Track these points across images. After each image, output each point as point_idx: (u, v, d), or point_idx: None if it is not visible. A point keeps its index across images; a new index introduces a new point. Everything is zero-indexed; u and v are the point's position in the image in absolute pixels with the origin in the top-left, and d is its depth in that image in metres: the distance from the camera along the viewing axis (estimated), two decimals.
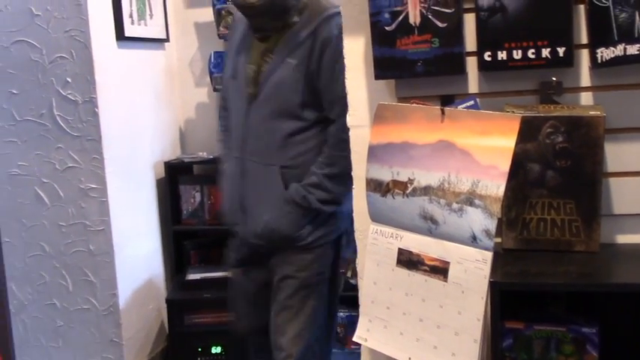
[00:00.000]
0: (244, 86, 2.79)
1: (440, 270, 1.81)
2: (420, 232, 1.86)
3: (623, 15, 1.85)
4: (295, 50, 2.70)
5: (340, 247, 2.96)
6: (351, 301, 4.36)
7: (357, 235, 2.21)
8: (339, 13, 2.30)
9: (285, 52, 2.72)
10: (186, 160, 4.38)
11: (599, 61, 1.90)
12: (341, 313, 4.49)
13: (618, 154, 1.98)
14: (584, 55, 1.96)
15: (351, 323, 4.42)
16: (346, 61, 2.18)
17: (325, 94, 2.72)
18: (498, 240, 1.93)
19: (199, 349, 4.05)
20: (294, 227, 2.79)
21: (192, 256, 4.45)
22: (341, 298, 4.52)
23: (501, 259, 1.88)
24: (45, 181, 3.43)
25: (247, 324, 3.15)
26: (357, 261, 2.23)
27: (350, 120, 2.20)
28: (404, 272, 1.89)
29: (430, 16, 1.98)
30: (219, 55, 4.24)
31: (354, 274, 4.43)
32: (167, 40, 4.36)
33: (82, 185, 3.42)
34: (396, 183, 1.90)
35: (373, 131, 1.95)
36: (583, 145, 1.88)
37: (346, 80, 2.20)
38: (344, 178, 2.42)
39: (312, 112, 2.76)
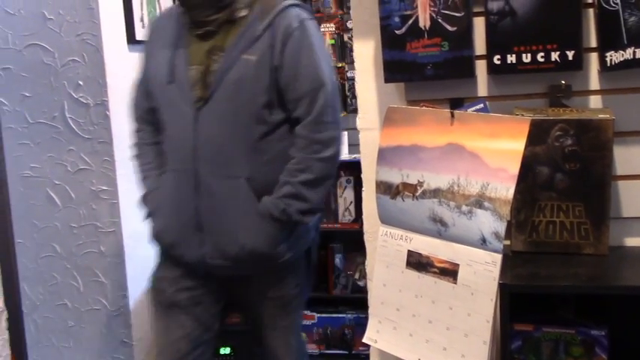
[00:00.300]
0: (188, 90, 2.37)
1: (449, 272, 1.80)
2: (429, 234, 1.86)
3: (633, 19, 1.84)
4: (252, 45, 2.32)
5: (310, 254, 2.62)
6: (359, 302, 4.39)
7: (367, 237, 2.21)
8: (296, 5, 2.32)
9: (239, 48, 2.33)
10: None
11: (609, 64, 1.89)
12: (348, 315, 4.50)
13: (627, 157, 1.97)
14: (594, 58, 1.96)
15: (359, 325, 4.42)
16: (356, 64, 2.18)
17: (290, 91, 2.34)
18: (507, 242, 1.92)
19: None
20: (273, 245, 2.39)
21: None
22: (348, 299, 4.55)
23: (510, 261, 1.87)
24: (57, 182, 3.42)
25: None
26: (367, 262, 2.22)
27: (360, 122, 2.20)
28: (413, 274, 1.88)
29: (440, 20, 1.98)
30: None
31: (362, 276, 4.44)
32: None
33: (93, 187, 3.41)
34: (406, 185, 1.89)
35: (383, 134, 1.95)
36: (592, 148, 1.87)
37: (356, 83, 2.20)
38: (321, 183, 2.35)
39: (279, 113, 2.37)
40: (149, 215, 2.57)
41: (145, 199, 2.58)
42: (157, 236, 2.54)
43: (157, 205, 2.51)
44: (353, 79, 4.26)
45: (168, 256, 2.55)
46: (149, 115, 2.57)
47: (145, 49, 2.60)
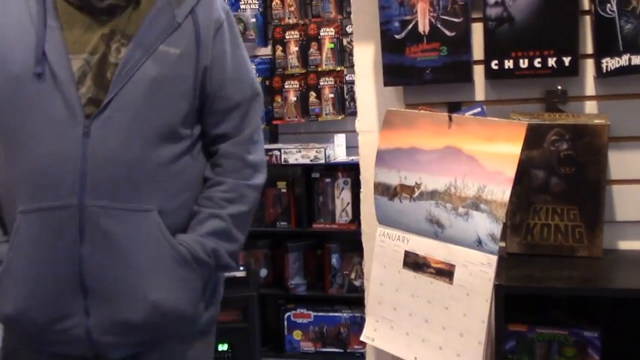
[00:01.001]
0: (70, 90, 1.68)
1: (445, 273, 1.80)
2: (426, 235, 1.85)
3: (629, 26, 1.84)
4: (171, 35, 1.74)
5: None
6: (354, 302, 4.40)
7: (365, 238, 2.21)
8: None
9: (153, 37, 1.73)
10: None
11: (604, 70, 1.89)
12: (344, 314, 4.51)
13: (622, 162, 1.97)
14: (590, 64, 1.96)
15: (354, 324, 4.44)
16: (356, 68, 2.18)
17: (218, 99, 1.83)
18: (503, 244, 1.92)
19: None
20: (192, 302, 1.80)
21: None
22: (344, 298, 4.56)
23: (506, 263, 1.87)
24: None
25: None
26: (364, 262, 2.22)
27: (359, 125, 2.19)
28: (410, 274, 1.88)
29: (439, 25, 1.98)
30: None
31: (358, 276, 4.44)
32: None
33: None
34: (404, 187, 1.89)
35: (382, 136, 1.94)
36: (587, 152, 1.87)
37: (356, 87, 2.20)
38: (249, 218, 1.90)
39: (197, 128, 1.84)
40: None
41: None
42: (8, 321, 1.79)
43: (5, 269, 1.72)
44: (352, 82, 4.28)
45: (23, 347, 1.83)
46: None
47: None
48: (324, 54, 4.54)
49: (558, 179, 1.91)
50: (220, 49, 1.82)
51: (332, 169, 4.52)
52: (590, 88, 1.98)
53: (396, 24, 2.01)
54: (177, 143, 1.78)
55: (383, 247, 1.94)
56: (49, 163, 1.68)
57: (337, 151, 4.54)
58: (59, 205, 1.68)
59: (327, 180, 4.53)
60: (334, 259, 4.56)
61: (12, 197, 1.73)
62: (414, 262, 1.87)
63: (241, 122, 1.86)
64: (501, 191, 1.69)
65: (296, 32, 4.58)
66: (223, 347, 4.01)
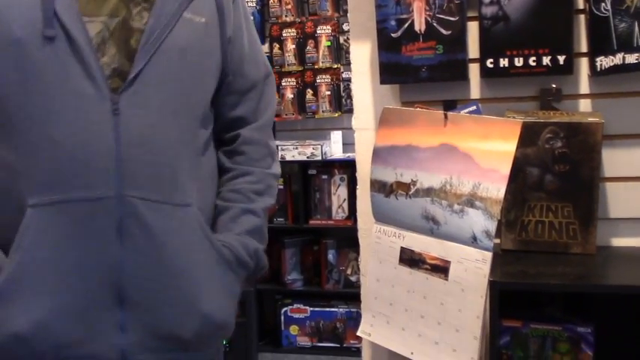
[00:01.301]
0: (92, 58, 1.37)
1: (441, 269, 1.80)
2: (422, 231, 1.85)
3: (623, 25, 1.84)
4: (192, 1, 1.48)
5: None
6: (350, 297, 4.40)
7: (361, 234, 2.21)
8: None
9: (176, 2, 1.46)
10: None
11: (599, 69, 1.89)
12: (340, 309, 4.52)
13: (615, 160, 1.97)
14: (584, 63, 1.96)
15: (350, 319, 4.45)
16: (353, 66, 2.18)
17: (238, 77, 1.60)
18: (497, 241, 1.92)
19: None
20: (235, 311, 1.60)
21: None
22: (340, 294, 4.56)
23: (500, 259, 1.87)
24: None
25: None
26: (360, 259, 2.22)
27: (355, 123, 2.19)
28: (406, 270, 1.88)
29: (435, 24, 1.98)
30: None
31: (355, 272, 4.45)
32: None
33: None
34: (400, 184, 1.89)
35: (378, 134, 1.95)
36: (581, 150, 1.87)
37: (352, 84, 2.20)
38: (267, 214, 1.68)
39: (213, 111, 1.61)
40: None
41: None
42: (15, 343, 1.36)
43: (14, 276, 1.36)
44: (348, 80, 4.28)
45: None
46: None
47: None
48: (320, 52, 4.54)
49: (553, 177, 1.91)
50: (238, 20, 1.59)
51: (328, 165, 4.53)
52: (584, 86, 1.98)
53: (393, 22, 2.01)
54: (207, 128, 1.56)
55: (379, 244, 1.94)
56: (73, 145, 1.36)
57: (334, 148, 4.55)
58: (91, 196, 1.37)
59: (324, 177, 4.53)
60: (330, 255, 4.57)
61: (11, 190, 1.39)
62: (410, 259, 1.87)
63: (259, 104, 1.65)
64: (496, 188, 1.69)
65: (293, 30, 4.58)
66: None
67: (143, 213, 1.40)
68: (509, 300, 1.77)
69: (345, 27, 4.43)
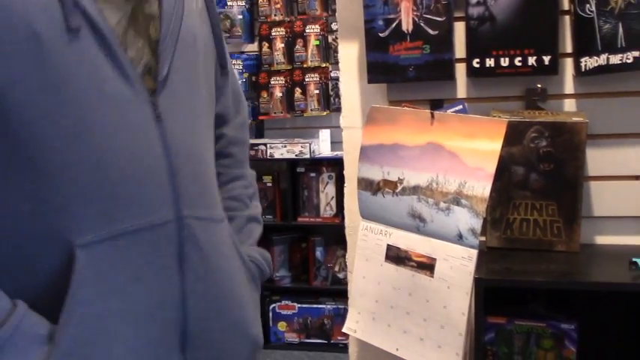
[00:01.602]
0: (121, 53, 1.13)
1: (427, 266, 1.81)
2: (408, 229, 1.86)
3: (607, 26, 1.85)
4: None
5: None
6: (338, 294, 4.41)
7: (348, 232, 2.21)
8: None
9: None
10: None
11: (583, 69, 1.90)
12: (327, 306, 4.52)
13: (599, 159, 1.98)
14: (569, 63, 1.96)
15: (338, 315, 4.45)
16: (341, 65, 2.18)
17: (220, 68, 1.44)
18: (483, 239, 1.93)
19: None
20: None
21: None
22: (328, 291, 4.57)
23: (485, 256, 1.88)
24: None
25: None
26: (347, 256, 2.22)
27: (343, 121, 2.19)
28: (392, 267, 1.88)
29: (422, 24, 1.98)
30: None
31: (342, 269, 4.45)
32: None
33: None
34: (387, 182, 1.89)
35: (365, 132, 1.95)
36: (566, 149, 1.88)
37: (340, 83, 2.20)
38: None
39: None
40: None
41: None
42: None
43: (82, 339, 1.09)
44: (337, 79, 4.27)
45: None
46: None
47: None
48: (309, 51, 4.54)
49: (537, 175, 1.92)
50: (214, 5, 1.40)
51: (317, 163, 4.53)
52: (569, 86, 1.99)
53: (380, 22, 2.01)
54: (212, 131, 1.39)
55: (366, 241, 1.94)
56: (124, 162, 1.12)
57: (322, 146, 4.55)
58: (151, 222, 1.15)
59: (312, 174, 4.54)
60: (318, 252, 4.58)
61: (47, 230, 1.08)
62: (396, 256, 1.87)
63: (234, 99, 1.52)
64: (482, 187, 1.69)
65: (282, 29, 4.58)
66: None
67: (198, 235, 1.22)
68: (494, 297, 1.78)
69: (333, 26, 4.43)
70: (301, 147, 4.43)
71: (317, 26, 4.52)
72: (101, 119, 1.10)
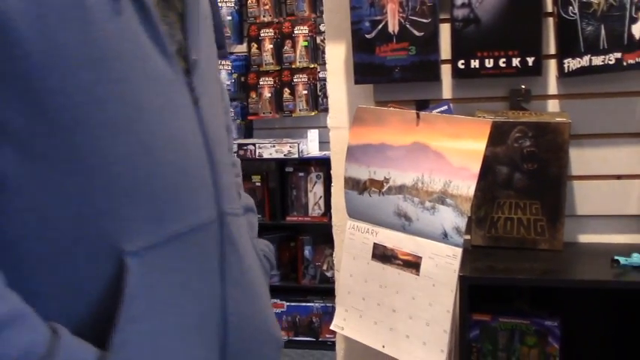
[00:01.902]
0: (160, 29, 0.99)
1: (412, 264, 1.81)
2: (394, 228, 1.86)
3: (590, 28, 1.86)
4: None
5: None
6: (326, 292, 4.41)
7: (335, 230, 2.22)
8: None
9: None
10: None
11: (566, 70, 1.91)
12: (316, 304, 4.53)
13: (582, 159, 1.99)
14: (552, 64, 1.97)
15: (326, 313, 4.46)
16: (328, 66, 2.18)
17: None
18: (468, 237, 1.94)
19: None
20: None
21: None
22: (316, 289, 4.57)
23: (470, 255, 1.89)
24: None
25: None
26: (335, 254, 2.23)
27: (330, 121, 2.20)
28: (378, 266, 1.89)
29: (408, 26, 1.99)
30: None
31: (330, 267, 4.46)
32: None
33: None
34: (373, 182, 1.90)
35: (352, 133, 1.95)
36: (549, 149, 1.89)
37: (328, 84, 2.20)
38: None
39: None
40: None
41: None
42: None
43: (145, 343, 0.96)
44: (325, 79, 4.28)
45: None
46: None
47: None
48: (297, 51, 4.54)
49: (521, 175, 1.93)
50: None
51: (305, 163, 4.53)
52: (552, 87, 2.00)
53: (367, 24, 2.01)
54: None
55: (352, 240, 1.95)
56: (172, 152, 0.99)
57: (310, 146, 4.56)
58: (202, 221, 1.04)
59: (301, 174, 4.54)
60: (307, 251, 4.58)
61: (86, 235, 0.92)
62: (383, 254, 1.88)
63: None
64: (466, 186, 1.70)
65: (271, 30, 4.58)
66: None
67: (234, 233, 1.12)
68: (479, 294, 1.79)
69: (322, 28, 4.44)
70: (290, 147, 4.43)
71: (305, 27, 4.53)
72: (148, 103, 0.96)
